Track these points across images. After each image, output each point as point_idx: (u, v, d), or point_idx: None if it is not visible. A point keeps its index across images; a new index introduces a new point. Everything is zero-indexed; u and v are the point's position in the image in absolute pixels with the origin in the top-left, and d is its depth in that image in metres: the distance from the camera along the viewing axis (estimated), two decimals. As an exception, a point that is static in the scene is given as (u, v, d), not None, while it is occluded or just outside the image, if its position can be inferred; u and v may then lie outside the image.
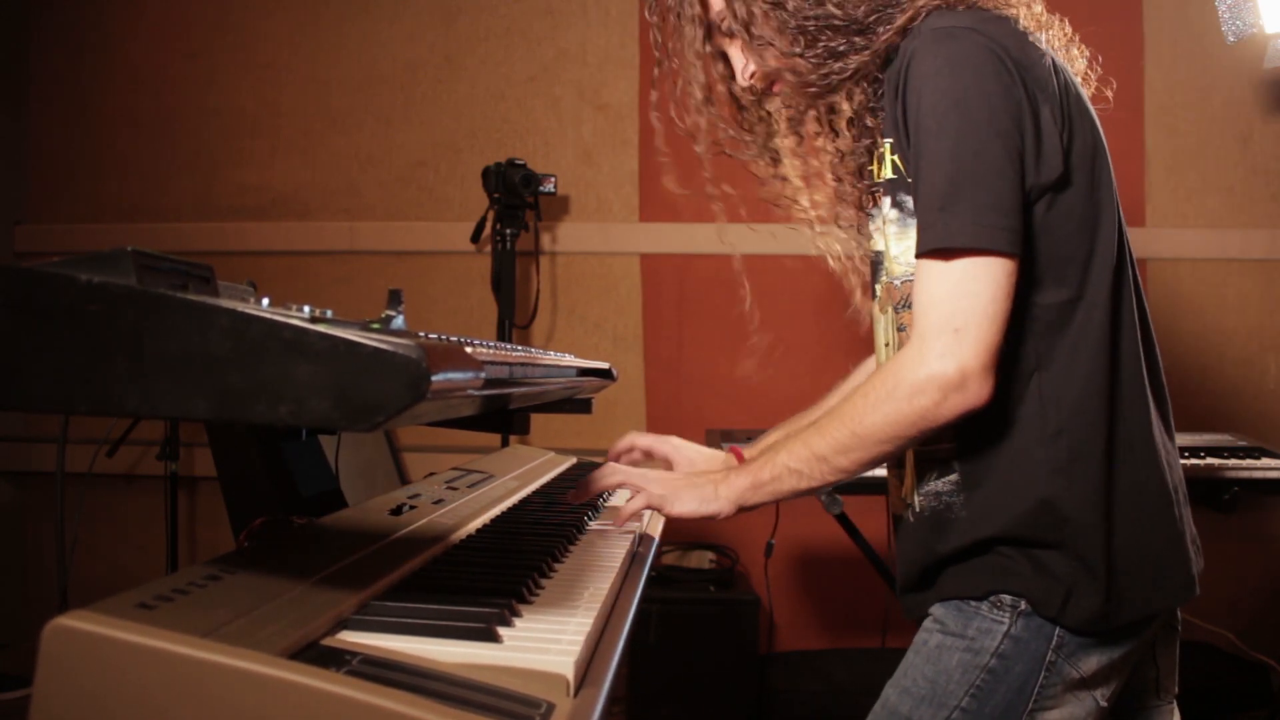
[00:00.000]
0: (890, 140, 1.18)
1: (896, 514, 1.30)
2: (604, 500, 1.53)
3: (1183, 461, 2.10)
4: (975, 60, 1.09)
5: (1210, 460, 2.15)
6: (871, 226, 1.28)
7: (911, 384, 1.08)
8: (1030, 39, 1.15)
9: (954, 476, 1.18)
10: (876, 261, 1.27)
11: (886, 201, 1.21)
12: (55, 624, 0.58)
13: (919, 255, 1.11)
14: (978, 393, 1.07)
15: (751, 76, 1.30)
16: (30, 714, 0.58)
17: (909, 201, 1.16)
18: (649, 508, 1.26)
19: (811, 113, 1.34)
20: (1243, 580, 2.88)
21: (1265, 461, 2.14)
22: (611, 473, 1.31)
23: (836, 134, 1.30)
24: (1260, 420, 2.96)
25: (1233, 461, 2.14)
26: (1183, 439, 2.37)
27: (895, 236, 1.20)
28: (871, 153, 1.24)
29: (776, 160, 1.40)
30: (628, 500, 1.27)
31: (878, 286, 1.28)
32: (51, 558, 2.63)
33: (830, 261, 1.40)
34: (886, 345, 1.26)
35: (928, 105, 1.09)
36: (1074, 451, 1.12)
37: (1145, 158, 2.97)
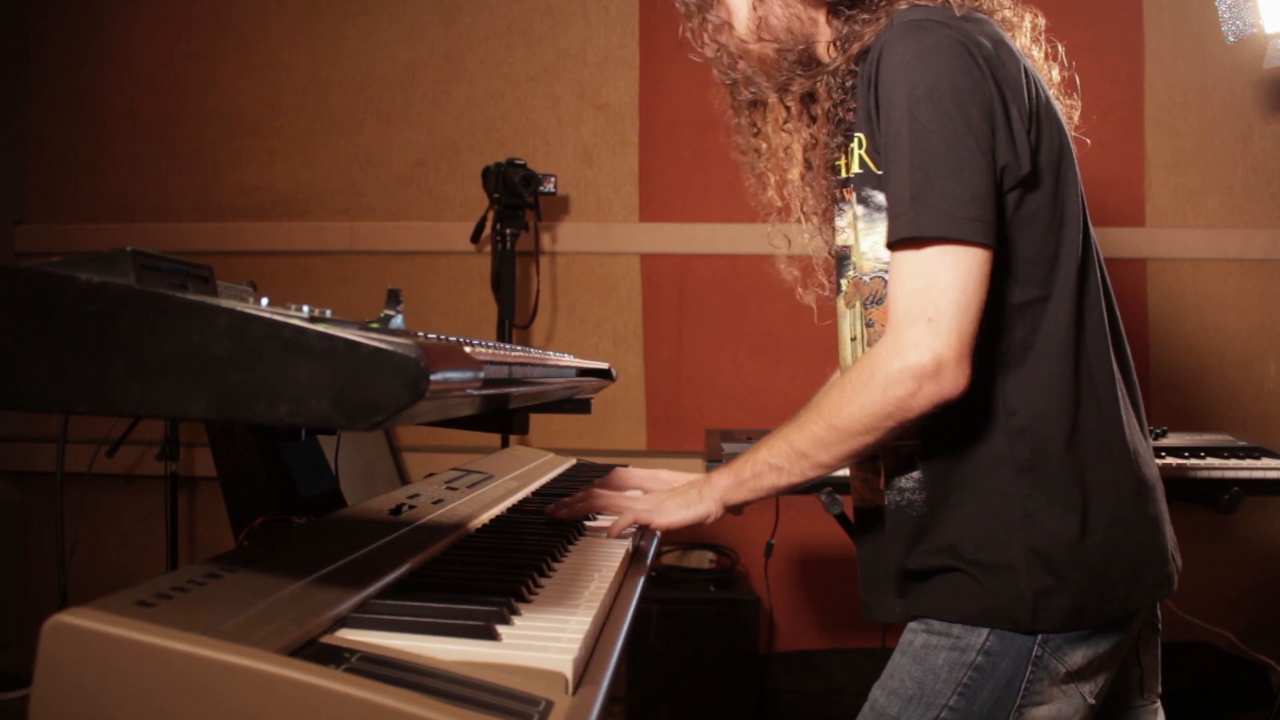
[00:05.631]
0: (861, 135, 1.18)
1: (862, 507, 1.30)
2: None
3: (1182, 462, 2.12)
4: (946, 53, 1.09)
5: (1210, 460, 2.15)
6: (840, 221, 1.28)
7: (887, 374, 1.08)
8: (1003, 40, 1.16)
9: (916, 474, 1.18)
10: (843, 256, 1.28)
11: (854, 197, 1.21)
12: (54, 621, 0.58)
13: (891, 245, 1.11)
14: (954, 382, 1.07)
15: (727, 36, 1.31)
16: (30, 710, 0.58)
17: (875, 196, 1.16)
18: (635, 524, 1.26)
19: (784, 97, 1.34)
20: (1243, 580, 2.88)
21: (1265, 461, 2.14)
22: (596, 496, 1.33)
23: (813, 120, 1.30)
24: (1260, 420, 2.96)
25: (1233, 461, 2.14)
26: (1183, 439, 2.37)
27: (863, 232, 1.20)
28: (844, 147, 1.24)
29: (756, 133, 1.40)
30: (615, 520, 1.27)
31: (844, 281, 1.28)
32: (51, 558, 2.64)
33: (782, 265, 1.42)
34: (853, 339, 1.26)
35: (899, 96, 1.10)
36: (1038, 451, 1.12)
37: (1145, 158, 2.97)
